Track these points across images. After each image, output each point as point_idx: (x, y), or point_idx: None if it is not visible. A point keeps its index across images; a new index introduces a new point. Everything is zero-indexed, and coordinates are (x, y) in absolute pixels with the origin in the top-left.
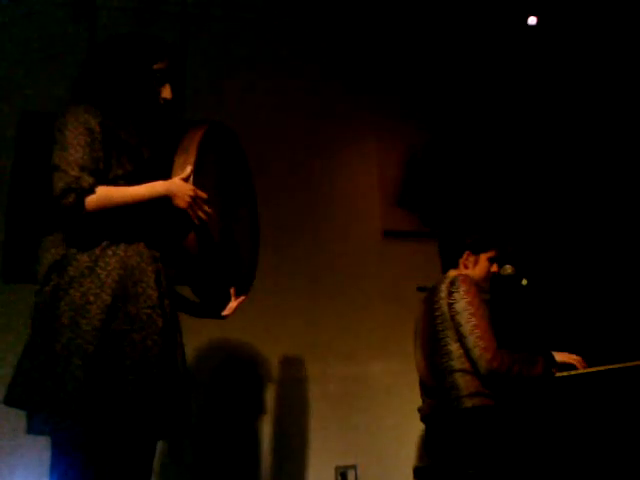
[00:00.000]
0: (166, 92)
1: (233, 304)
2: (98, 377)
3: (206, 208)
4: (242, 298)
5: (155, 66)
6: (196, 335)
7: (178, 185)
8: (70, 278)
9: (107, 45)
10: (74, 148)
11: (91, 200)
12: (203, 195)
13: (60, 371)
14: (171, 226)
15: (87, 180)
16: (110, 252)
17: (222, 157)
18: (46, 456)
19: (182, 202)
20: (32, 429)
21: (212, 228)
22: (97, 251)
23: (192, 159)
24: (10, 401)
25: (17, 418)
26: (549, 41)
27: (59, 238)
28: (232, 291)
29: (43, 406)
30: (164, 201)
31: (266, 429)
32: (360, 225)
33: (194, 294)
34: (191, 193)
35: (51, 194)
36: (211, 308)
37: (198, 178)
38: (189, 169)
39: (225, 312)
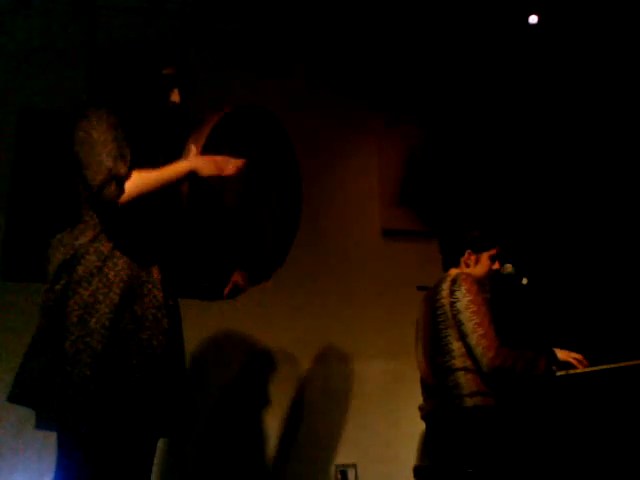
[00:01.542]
0: (175, 96)
1: (236, 279)
2: (105, 375)
3: (233, 163)
4: (244, 274)
5: (164, 71)
6: (197, 334)
7: (197, 158)
8: (79, 277)
9: (117, 51)
10: (102, 144)
11: (129, 185)
12: (221, 156)
13: (69, 368)
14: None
15: (123, 167)
16: (118, 253)
17: (247, 140)
18: (46, 455)
19: (210, 170)
20: (40, 425)
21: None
22: (105, 251)
23: (202, 141)
24: (15, 398)
25: (17, 418)
26: (550, 40)
27: (68, 238)
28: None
29: (52, 403)
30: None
31: (266, 428)
32: (360, 224)
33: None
34: (211, 158)
35: (89, 191)
36: (216, 285)
37: (211, 149)
38: (194, 147)
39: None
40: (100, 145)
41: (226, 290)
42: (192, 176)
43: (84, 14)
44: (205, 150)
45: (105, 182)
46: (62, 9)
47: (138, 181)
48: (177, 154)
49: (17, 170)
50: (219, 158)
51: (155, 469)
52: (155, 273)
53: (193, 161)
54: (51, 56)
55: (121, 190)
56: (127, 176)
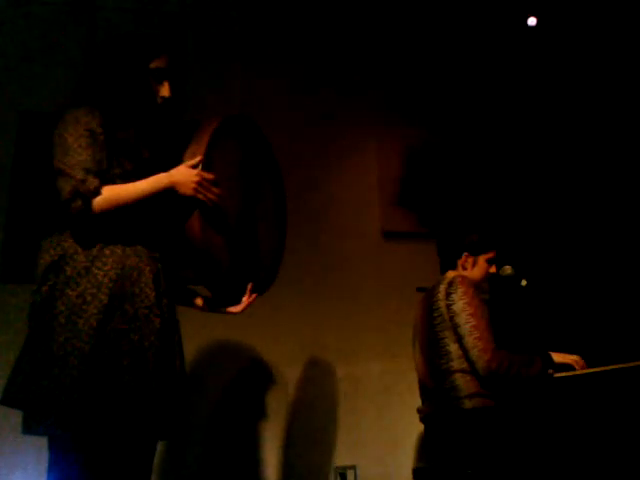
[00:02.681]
0: (164, 90)
1: (245, 299)
2: (95, 377)
3: (215, 190)
4: (254, 296)
5: (152, 64)
6: (196, 335)
7: (181, 172)
8: (67, 278)
9: (104, 46)
10: (76, 151)
11: (98, 202)
12: (209, 176)
13: (56, 371)
14: (178, 216)
15: (93, 182)
16: (108, 252)
17: (242, 149)
18: (45, 456)
19: (187, 189)
20: (27, 429)
21: (228, 212)
22: (94, 251)
23: (202, 149)
24: (7, 400)
25: (17, 418)
26: (548, 42)
27: (57, 240)
28: (249, 287)
29: (39, 406)
30: (167, 196)
31: (265, 429)
32: (360, 225)
33: (206, 286)
34: (196, 178)
35: (58, 199)
36: (224, 301)
37: (209, 166)
38: (198, 158)
39: (237, 308)
40: (73, 152)
41: (243, 306)
42: (169, 192)
43: (83, 16)
44: (207, 158)
45: (71, 196)
46: (61, 11)
47: (109, 197)
48: (165, 149)
49: (17, 172)
50: (204, 179)
51: (154, 472)
52: (147, 271)
53: (175, 176)
54: (51, 58)
55: (87, 207)
56: (97, 191)
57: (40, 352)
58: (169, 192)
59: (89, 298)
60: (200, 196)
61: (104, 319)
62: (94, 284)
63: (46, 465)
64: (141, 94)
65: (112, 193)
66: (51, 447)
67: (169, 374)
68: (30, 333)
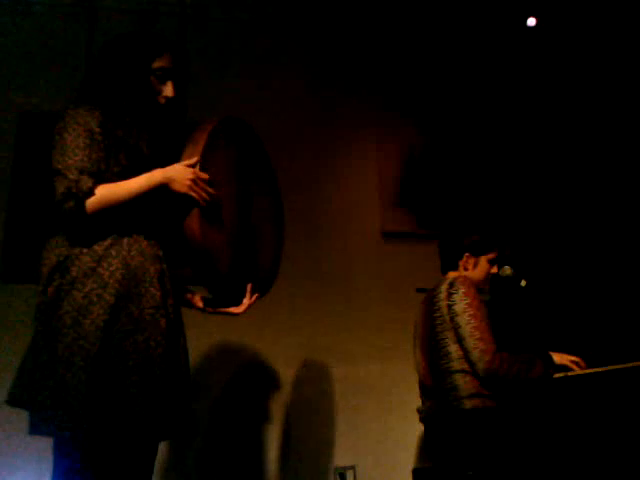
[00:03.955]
0: (168, 90)
1: (246, 301)
2: (101, 378)
3: (209, 189)
4: (255, 296)
5: (155, 64)
6: (196, 337)
7: (177, 169)
8: (73, 278)
9: (108, 45)
10: (73, 151)
11: (91, 202)
12: (204, 176)
13: (62, 372)
14: (176, 216)
15: (86, 183)
16: (113, 252)
17: (237, 151)
18: (45, 456)
19: (182, 186)
20: (33, 430)
21: (225, 213)
22: (100, 251)
23: (199, 149)
24: (12, 401)
25: (17, 418)
26: (548, 42)
27: (63, 239)
28: (248, 287)
29: (45, 406)
30: (165, 191)
31: (265, 430)
32: (359, 226)
33: (205, 285)
34: (191, 176)
35: (53, 199)
36: (224, 301)
37: (205, 167)
38: (195, 158)
39: (239, 309)
40: (70, 152)
41: (244, 306)
42: (163, 188)
43: (83, 17)
44: (204, 158)
45: (65, 196)
46: (61, 12)
47: (103, 196)
48: (166, 149)
49: (17, 173)
50: (199, 178)
51: (156, 472)
52: (152, 271)
53: (170, 172)
54: (51, 59)
55: (80, 207)
56: (90, 191)
57: (46, 353)
58: (163, 189)
59: (95, 298)
60: (194, 194)
61: (110, 319)
62: (100, 285)
63: (47, 467)
64: (142, 93)
65: (106, 191)
66: (55, 448)
67: (175, 374)
68: (36, 333)
